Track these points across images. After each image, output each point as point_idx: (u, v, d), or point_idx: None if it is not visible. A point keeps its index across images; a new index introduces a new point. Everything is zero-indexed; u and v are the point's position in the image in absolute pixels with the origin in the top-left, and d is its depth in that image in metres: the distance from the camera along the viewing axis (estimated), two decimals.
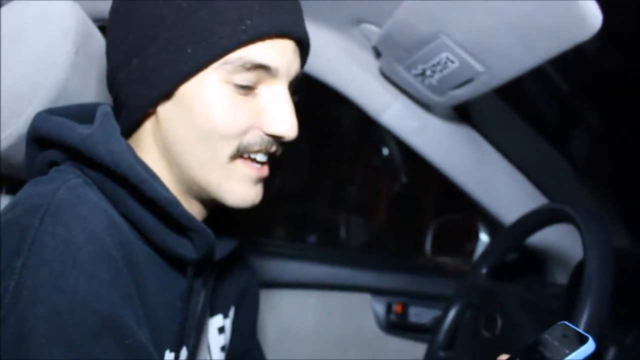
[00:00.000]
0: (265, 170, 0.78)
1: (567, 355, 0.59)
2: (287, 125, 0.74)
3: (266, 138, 0.74)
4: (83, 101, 0.84)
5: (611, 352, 1.00)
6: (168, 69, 0.70)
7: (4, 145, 0.81)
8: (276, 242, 1.75)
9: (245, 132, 0.73)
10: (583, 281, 0.89)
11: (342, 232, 2.81)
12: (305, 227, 2.82)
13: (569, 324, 0.63)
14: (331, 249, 2.56)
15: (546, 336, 0.63)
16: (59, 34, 0.81)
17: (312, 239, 2.70)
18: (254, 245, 1.57)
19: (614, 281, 0.90)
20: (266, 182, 0.80)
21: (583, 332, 0.61)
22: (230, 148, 0.73)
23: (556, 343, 0.61)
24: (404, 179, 1.97)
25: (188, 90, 0.71)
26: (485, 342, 1.10)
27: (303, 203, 2.92)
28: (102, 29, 0.87)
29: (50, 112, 0.75)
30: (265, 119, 0.74)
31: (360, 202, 2.96)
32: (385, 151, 2.60)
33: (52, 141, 0.71)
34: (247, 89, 0.72)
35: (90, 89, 0.89)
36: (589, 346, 0.59)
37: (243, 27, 0.69)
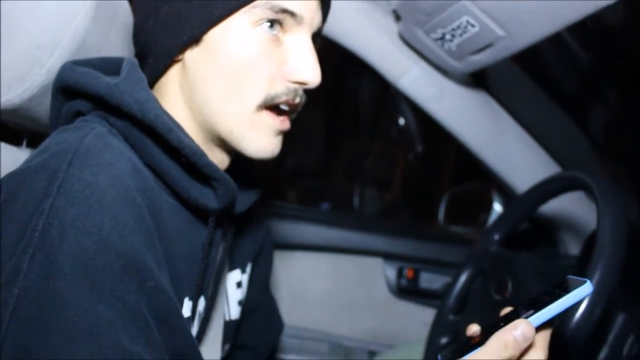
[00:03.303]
0: (287, 123, 0.79)
1: (564, 296, 0.60)
2: (312, 72, 0.75)
3: (292, 87, 0.76)
4: (103, 55, 0.85)
5: (620, 319, 1.01)
6: (198, 14, 0.71)
7: (26, 95, 0.82)
8: (291, 205, 1.77)
9: (272, 81, 0.74)
10: (596, 245, 0.90)
11: (356, 203, 2.82)
12: (320, 199, 2.84)
13: (573, 276, 0.64)
14: (345, 214, 2.58)
15: (549, 288, 0.64)
16: None
17: (325, 206, 2.71)
18: (269, 207, 1.59)
19: (626, 248, 0.90)
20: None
21: (582, 278, 0.62)
22: (258, 97, 0.74)
23: (557, 290, 0.62)
24: (419, 148, 1.96)
25: (216, 35, 0.72)
26: (495, 304, 1.12)
27: (318, 177, 2.93)
28: None
29: (76, 63, 0.76)
30: (290, 67, 0.75)
31: (376, 173, 2.97)
32: (402, 121, 2.58)
33: (78, 91, 0.73)
34: (274, 35, 0.73)
35: (110, 42, 0.90)
36: (586, 287, 0.60)
37: None
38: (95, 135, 0.68)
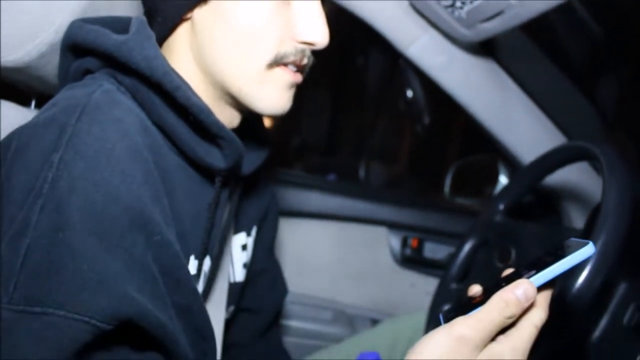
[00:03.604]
0: (299, 77, 0.79)
1: (565, 257, 0.61)
2: (320, 33, 0.75)
3: (299, 47, 0.76)
4: (112, 14, 0.85)
5: (622, 288, 1.01)
6: None
7: (35, 53, 0.82)
8: (296, 173, 1.77)
9: (281, 41, 0.74)
10: (600, 212, 0.90)
11: (362, 175, 2.83)
12: (327, 172, 2.85)
13: (576, 239, 0.64)
14: (350, 183, 2.59)
15: (552, 249, 0.65)
16: None
17: (332, 177, 2.72)
18: (275, 174, 1.59)
19: (631, 217, 0.91)
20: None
21: (585, 240, 0.62)
22: (268, 57, 0.74)
23: (559, 252, 0.63)
24: (427, 120, 1.96)
25: None
26: (498, 272, 1.12)
27: (326, 152, 2.94)
28: None
29: (85, 21, 0.76)
30: (298, 28, 0.75)
31: (383, 146, 2.97)
32: (410, 94, 2.57)
33: (87, 48, 0.73)
34: None
35: (119, 2, 0.90)
36: (588, 249, 0.60)
37: None
38: (104, 91, 0.68)
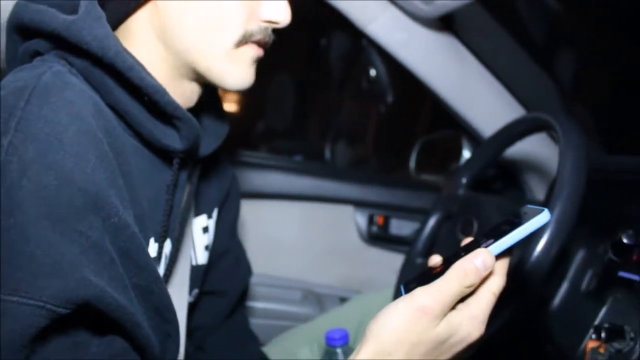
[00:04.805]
0: (261, 52, 0.81)
1: (522, 224, 0.62)
2: (282, 12, 0.78)
3: (263, 26, 0.77)
4: None
5: (580, 254, 1.04)
6: None
7: None
8: (261, 154, 1.76)
9: (248, 20, 0.75)
10: (556, 181, 0.92)
11: (328, 156, 2.83)
12: (292, 155, 2.85)
13: (532, 205, 0.65)
14: (315, 162, 2.59)
15: (509, 217, 0.66)
16: None
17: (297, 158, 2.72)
18: (239, 156, 1.58)
19: (586, 184, 0.92)
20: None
21: (541, 207, 0.63)
22: (235, 35, 0.75)
23: (516, 220, 0.64)
24: (390, 98, 1.96)
25: None
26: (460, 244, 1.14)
27: (291, 136, 2.93)
28: None
29: (31, 0, 0.73)
30: (262, 6, 0.77)
31: (349, 127, 2.97)
32: (373, 73, 2.57)
33: (35, 29, 0.71)
34: None
35: None
36: (544, 216, 0.62)
37: None
38: (54, 73, 0.66)
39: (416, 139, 1.90)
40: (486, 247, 0.63)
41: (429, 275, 0.66)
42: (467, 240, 0.69)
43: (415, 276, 0.69)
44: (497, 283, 0.64)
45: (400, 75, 1.42)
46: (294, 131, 2.95)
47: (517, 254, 0.93)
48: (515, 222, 0.63)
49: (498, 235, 0.63)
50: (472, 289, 0.62)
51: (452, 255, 0.66)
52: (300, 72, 2.92)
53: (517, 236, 0.62)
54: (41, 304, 0.56)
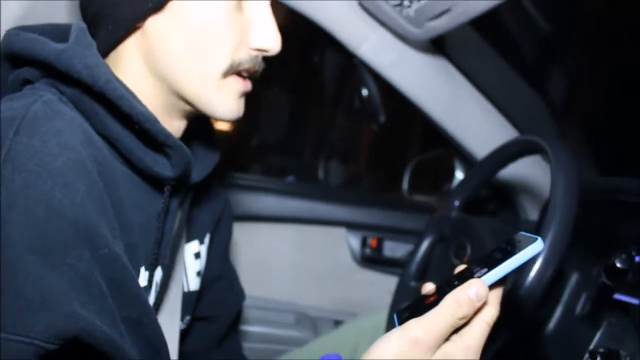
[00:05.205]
0: (249, 85, 0.80)
1: (516, 253, 0.61)
2: (272, 40, 0.77)
3: (253, 54, 0.77)
4: (51, 22, 0.82)
5: (574, 278, 1.03)
6: None
7: None
8: (253, 177, 1.76)
9: (236, 48, 0.75)
10: (549, 206, 0.91)
11: (321, 176, 2.83)
12: (285, 174, 2.84)
13: (525, 232, 0.65)
14: (308, 184, 2.59)
15: (502, 245, 0.65)
16: None
17: (290, 179, 2.71)
18: (231, 179, 1.58)
19: (578, 208, 0.92)
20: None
21: (534, 235, 0.62)
22: (224, 64, 0.74)
23: (509, 248, 0.63)
24: (382, 118, 1.97)
25: (180, 2, 0.71)
26: (454, 267, 1.13)
27: (284, 153, 2.93)
28: None
29: (22, 29, 0.73)
30: (251, 34, 0.76)
31: (341, 146, 2.97)
32: (365, 92, 2.58)
33: (25, 58, 0.70)
34: (236, 1, 0.74)
35: (58, 9, 0.87)
36: (537, 245, 0.61)
37: None
38: (44, 102, 0.66)
39: (409, 156, 1.90)
40: (479, 276, 0.62)
41: (422, 306, 0.65)
42: (461, 267, 0.69)
43: (408, 305, 0.68)
44: (490, 313, 0.63)
45: (392, 94, 1.42)
46: (287, 148, 2.95)
47: (511, 280, 0.92)
48: (509, 250, 0.63)
49: (491, 264, 0.63)
50: (465, 320, 0.62)
51: (445, 283, 0.66)
52: (293, 89, 2.92)
53: (511, 266, 0.62)
54: (29, 340, 0.55)
